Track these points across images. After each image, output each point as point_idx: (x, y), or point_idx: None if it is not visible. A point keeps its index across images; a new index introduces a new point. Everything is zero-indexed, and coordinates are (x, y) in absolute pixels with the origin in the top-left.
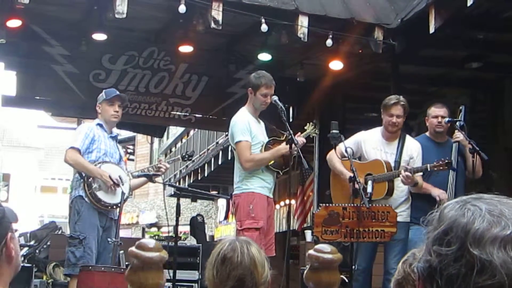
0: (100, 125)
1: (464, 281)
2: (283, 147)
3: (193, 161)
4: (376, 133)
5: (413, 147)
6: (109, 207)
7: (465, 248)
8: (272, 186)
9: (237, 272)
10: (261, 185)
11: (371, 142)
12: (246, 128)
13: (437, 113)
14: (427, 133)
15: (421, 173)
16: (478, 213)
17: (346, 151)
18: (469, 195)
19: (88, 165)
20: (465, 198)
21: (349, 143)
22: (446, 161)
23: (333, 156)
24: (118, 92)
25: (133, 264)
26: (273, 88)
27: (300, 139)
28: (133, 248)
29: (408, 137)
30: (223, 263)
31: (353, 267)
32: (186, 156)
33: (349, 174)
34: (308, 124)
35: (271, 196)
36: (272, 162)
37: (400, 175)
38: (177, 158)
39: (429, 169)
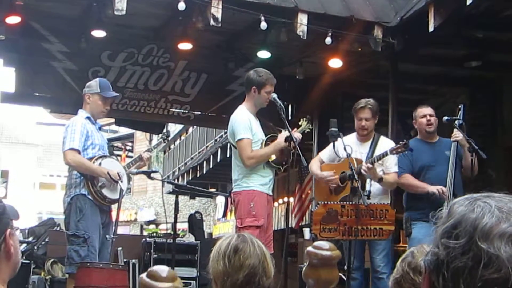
0: (88, 117)
1: (470, 274)
2: (281, 140)
3: (192, 158)
4: (351, 136)
5: (386, 145)
6: (113, 203)
7: (473, 242)
8: (272, 184)
9: (251, 261)
10: (261, 183)
11: (338, 148)
12: (248, 125)
13: (424, 112)
14: (418, 136)
15: (386, 169)
16: (488, 208)
17: (345, 149)
18: (471, 193)
19: (91, 165)
20: (475, 196)
21: (327, 151)
22: (403, 142)
23: (312, 163)
24: (114, 93)
25: None
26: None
27: (297, 134)
28: (144, 277)
29: (382, 137)
30: (236, 252)
31: (345, 266)
32: (164, 136)
33: (323, 173)
34: (302, 119)
35: (271, 193)
36: (273, 158)
37: (362, 166)
38: (159, 142)
39: (389, 154)
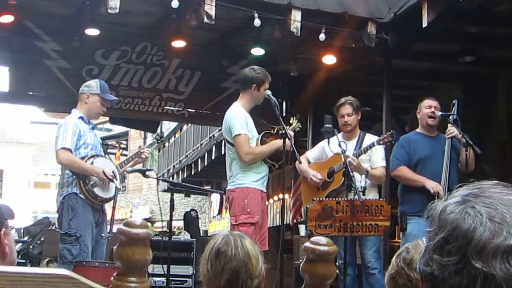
0: (81, 117)
1: None
2: (278, 141)
3: (187, 156)
4: (337, 136)
5: (372, 141)
6: (105, 202)
7: (467, 260)
8: (265, 180)
9: (232, 265)
10: (255, 180)
11: (332, 144)
12: (245, 121)
13: (430, 103)
14: (418, 129)
15: (373, 164)
16: (479, 220)
17: (339, 145)
18: (469, 187)
19: (84, 164)
20: (465, 196)
21: (314, 151)
22: (390, 132)
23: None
24: (114, 97)
25: (121, 241)
26: None
27: (291, 132)
28: (121, 226)
29: (368, 135)
30: (217, 256)
31: (336, 263)
32: (158, 137)
33: (308, 170)
34: (292, 118)
35: (265, 190)
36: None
37: (346, 160)
38: (152, 142)
39: (376, 144)
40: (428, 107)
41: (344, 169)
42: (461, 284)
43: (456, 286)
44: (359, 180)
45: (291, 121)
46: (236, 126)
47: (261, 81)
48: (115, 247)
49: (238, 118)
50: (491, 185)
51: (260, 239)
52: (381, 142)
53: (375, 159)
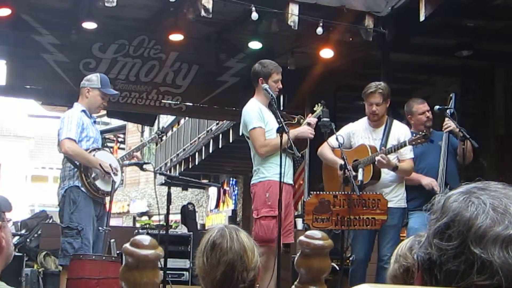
0: (84, 111)
1: (463, 278)
2: (296, 130)
3: (184, 149)
4: (363, 122)
5: (400, 131)
6: (106, 195)
7: (466, 245)
8: (288, 171)
9: (227, 257)
10: (277, 172)
11: (359, 132)
12: (259, 114)
13: (423, 109)
14: (412, 129)
15: (401, 156)
16: (482, 208)
17: (337, 139)
18: (474, 183)
19: (88, 155)
20: (470, 188)
21: (334, 138)
22: (423, 133)
23: (323, 149)
24: (115, 91)
25: (128, 262)
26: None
27: (312, 119)
28: (127, 246)
29: (395, 122)
30: (212, 249)
31: (351, 257)
32: (159, 132)
33: (341, 161)
34: (316, 105)
35: (290, 182)
36: (289, 145)
37: (376, 158)
38: (153, 137)
39: (407, 144)
40: (422, 113)
41: (344, 162)
42: (458, 269)
43: (453, 271)
44: (360, 173)
45: (315, 108)
46: (251, 120)
47: (267, 73)
48: (112, 240)
49: (252, 112)
50: (496, 183)
51: (283, 232)
52: (413, 143)
53: (403, 150)
